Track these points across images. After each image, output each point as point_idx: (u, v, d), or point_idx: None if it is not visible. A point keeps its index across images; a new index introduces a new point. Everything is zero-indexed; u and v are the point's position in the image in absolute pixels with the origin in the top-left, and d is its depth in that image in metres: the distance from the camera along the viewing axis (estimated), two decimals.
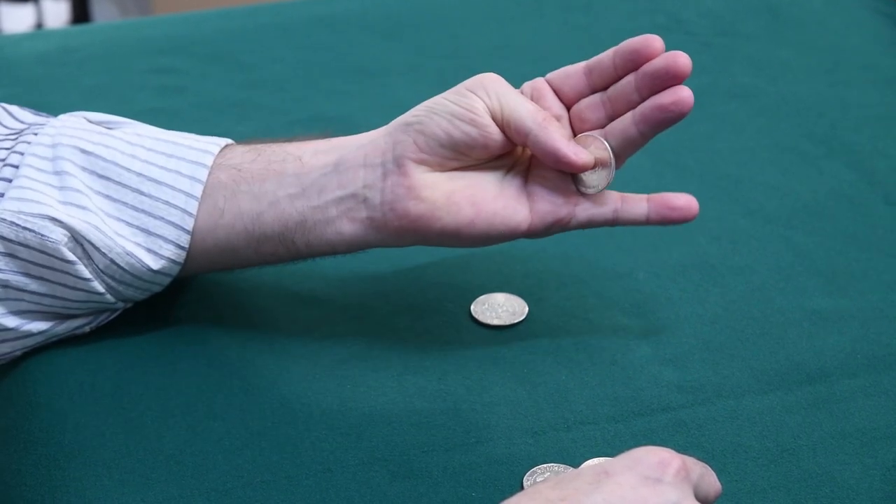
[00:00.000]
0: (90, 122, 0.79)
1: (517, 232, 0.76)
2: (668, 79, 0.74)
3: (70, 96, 1.02)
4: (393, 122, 0.77)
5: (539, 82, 0.78)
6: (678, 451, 0.72)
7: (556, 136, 0.74)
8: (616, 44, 0.76)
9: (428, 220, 0.75)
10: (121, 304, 0.79)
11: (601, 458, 0.71)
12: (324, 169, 0.76)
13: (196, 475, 0.71)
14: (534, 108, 0.75)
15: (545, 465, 0.72)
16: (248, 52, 1.09)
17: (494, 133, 0.75)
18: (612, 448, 0.72)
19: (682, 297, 0.83)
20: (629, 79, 0.76)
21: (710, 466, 0.69)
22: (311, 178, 0.76)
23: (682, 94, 0.74)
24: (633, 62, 0.75)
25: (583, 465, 0.70)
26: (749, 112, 1.02)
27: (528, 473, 0.71)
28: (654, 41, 0.75)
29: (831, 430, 0.74)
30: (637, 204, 0.76)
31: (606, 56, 0.76)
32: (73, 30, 1.23)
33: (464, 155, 0.75)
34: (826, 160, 0.96)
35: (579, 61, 0.77)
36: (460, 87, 0.76)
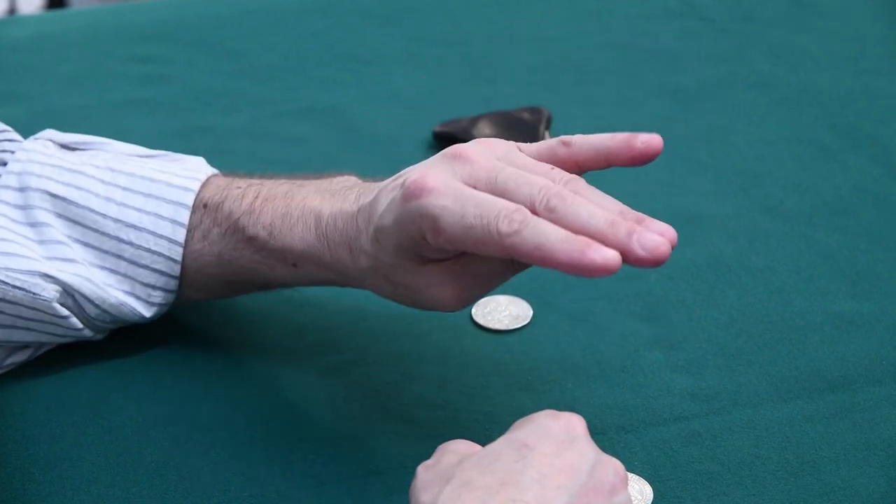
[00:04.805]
0: (58, 145, 0.79)
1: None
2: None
3: (46, 86, 1.02)
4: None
5: None
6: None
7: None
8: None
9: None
10: (100, 335, 0.79)
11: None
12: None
13: (179, 490, 0.71)
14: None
15: None
16: (237, 38, 1.09)
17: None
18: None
19: (696, 300, 0.83)
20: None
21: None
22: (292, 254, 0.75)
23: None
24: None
25: (491, 445, 0.64)
26: (768, 103, 1.02)
27: None
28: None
29: (855, 442, 0.74)
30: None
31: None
32: (48, 15, 1.23)
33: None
34: (850, 154, 0.96)
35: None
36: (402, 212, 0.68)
